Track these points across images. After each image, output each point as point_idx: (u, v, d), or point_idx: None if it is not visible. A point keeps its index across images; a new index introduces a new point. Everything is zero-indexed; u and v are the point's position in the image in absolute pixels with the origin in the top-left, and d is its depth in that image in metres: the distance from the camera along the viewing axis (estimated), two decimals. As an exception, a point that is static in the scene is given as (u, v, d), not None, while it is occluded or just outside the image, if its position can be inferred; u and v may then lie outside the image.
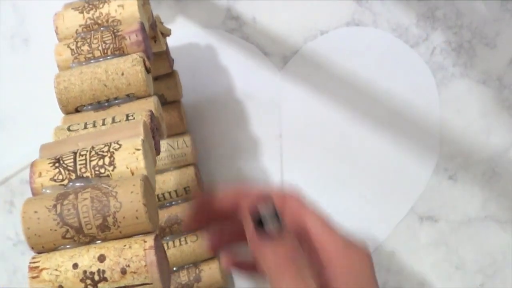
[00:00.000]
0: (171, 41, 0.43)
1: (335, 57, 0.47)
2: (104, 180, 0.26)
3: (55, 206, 0.25)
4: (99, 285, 0.24)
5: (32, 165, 0.26)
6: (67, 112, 0.32)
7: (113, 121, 0.30)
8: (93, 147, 0.27)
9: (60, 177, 0.26)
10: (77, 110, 0.32)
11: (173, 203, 0.46)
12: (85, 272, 0.24)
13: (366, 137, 0.48)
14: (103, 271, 0.24)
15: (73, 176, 0.26)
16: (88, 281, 0.24)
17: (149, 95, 0.32)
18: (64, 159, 0.27)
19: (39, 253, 0.25)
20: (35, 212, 0.25)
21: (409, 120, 0.47)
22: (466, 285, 0.43)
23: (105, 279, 0.24)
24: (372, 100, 0.47)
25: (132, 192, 0.25)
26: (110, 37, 0.33)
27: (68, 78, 0.32)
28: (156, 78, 0.43)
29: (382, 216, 0.49)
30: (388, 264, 0.48)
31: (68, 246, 0.25)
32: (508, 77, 0.47)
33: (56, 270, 0.24)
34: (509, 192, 0.47)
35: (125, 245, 0.25)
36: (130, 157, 0.27)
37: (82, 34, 0.34)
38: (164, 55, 0.43)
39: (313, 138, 0.48)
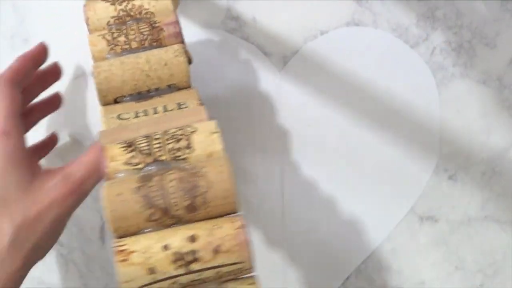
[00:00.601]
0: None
1: (335, 57, 0.47)
2: (181, 163, 0.26)
3: (139, 188, 0.25)
4: (191, 265, 0.24)
5: (102, 149, 0.26)
6: (106, 103, 0.32)
7: (165, 109, 0.30)
8: (166, 131, 0.27)
9: (135, 161, 0.26)
10: (116, 101, 0.32)
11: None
12: (176, 253, 0.24)
13: (366, 137, 0.48)
14: (195, 252, 0.24)
15: (149, 160, 0.26)
16: (180, 262, 0.24)
17: (189, 86, 0.32)
18: (137, 143, 0.27)
19: (120, 237, 0.25)
20: (119, 194, 0.25)
21: (409, 120, 0.47)
22: (466, 285, 0.43)
23: (197, 260, 0.24)
24: (372, 100, 0.47)
25: (221, 172, 0.25)
26: (148, 29, 0.33)
27: (109, 68, 0.31)
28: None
29: (382, 216, 0.49)
30: (388, 264, 0.48)
31: (148, 230, 0.25)
32: (508, 77, 0.47)
33: (146, 252, 0.24)
34: (509, 192, 0.48)
35: (214, 226, 0.25)
36: (207, 140, 0.27)
37: (114, 25, 0.34)
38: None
39: (313, 138, 0.48)
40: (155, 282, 0.24)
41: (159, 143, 0.26)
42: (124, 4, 0.34)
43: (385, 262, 0.49)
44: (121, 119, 0.29)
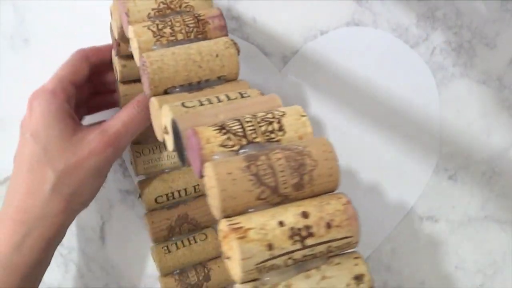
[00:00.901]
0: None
1: (335, 57, 0.47)
2: (274, 145, 0.26)
3: (249, 167, 0.25)
4: (306, 241, 0.24)
5: (196, 132, 0.26)
6: (156, 94, 0.32)
7: (228, 98, 0.30)
8: (254, 115, 0.27)
9: (230, 143, 0.26)
10: (166, 92, 0.32)
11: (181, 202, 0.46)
12: (292, 228, 0.24)
13: (366, 137, 0.48)
14: (309, 227, 0.24)
15: (244, 142, 0.26)
16: (296, 238, 0.24)
17: (236, 78, 0.33)
18: (229, 126, 0.27)
19: (227, 217, 0.25)
20: (229, 173, 0.25)
21: (409, 120, 0.47)
22: (466, 285, 0.43)
23: (311, 235, 0.24)
24: (372, 100, 0.47)
25: (324, 151, 0.26)
26: (193, 21, 0.33)
27: (161, 58, 0.31)
28: None
29: (382, 216, 0.49)
30: (388, 264, 0.48)
31: (251, 210, 0.25)
32: (508, 77, 0.47)
33: (263, 229, 0.24)
34: (509, 192, 0.48)
35: (322, 202, 0.25)
36: (297, 123, 0.28)
37: (154, 17, 0.34)
38: None
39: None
40: (272, 258, 0.24)
41: (252, 125, 0.27)
42: None
43: (385, 262, 0.49)
44: (186, 107, 0.29)
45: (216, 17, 0.34)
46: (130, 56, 0.42)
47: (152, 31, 0.33)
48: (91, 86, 0.46)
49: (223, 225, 0.24)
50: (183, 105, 0.29)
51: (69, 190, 0.39)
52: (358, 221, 0.25)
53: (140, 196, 0.46)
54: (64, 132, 0.39)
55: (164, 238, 0.46)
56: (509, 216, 0.48)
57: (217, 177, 0.24)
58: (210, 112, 0.28)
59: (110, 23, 0.41)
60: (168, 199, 0.46)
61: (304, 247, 0.24)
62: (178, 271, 0.46)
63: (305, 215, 0.25)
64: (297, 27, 0.47)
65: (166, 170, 0.46)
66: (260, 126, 0.27)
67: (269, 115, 0.27)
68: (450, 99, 0.47)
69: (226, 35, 0.34)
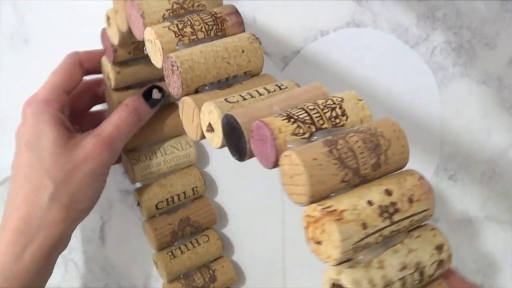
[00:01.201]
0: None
1: (335, 58, 0.47)
2: (343, 129, 0.28)
3: (330, 151, 0.26)
4: (394, 216, 0.25)
5: (267, 123, 0.27)
6: (187, 93, 0.32)
7: (268, 91, 0.31)
8: (315, 102, 0.28)
9: (301, 131, 0.27)
10: (196, 91, 0.32)
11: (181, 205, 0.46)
12: (380, 206, 0.25)
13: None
14: (395, 203, 0.26)
15: (313, 129, 0.27)
16: (385, 215, 0.25)
17: (260, 72, 0.33)
18: (296, 115, 0.27)
19: (312, 202, 0.25)
20: (315, 159, 0.25)
21: (409, 120, 0.47)
22: (466, 285, 0.43)
23: (397, 211, 0.26)
24: (372, 100, 0.47)
25: (394, 130, 0.27)
26: (211, 19, 0.34)
27: (190, 57, 0.31)
28: (160, 79, 0.43)
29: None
30: (388, 264, 0.48)
31: (332, 194, 0.26)
32: (508, 77, 0.47)
33: (355, 209, 0.25)
34: (509, 192, 0.48)
35: (399, 179, 0.27)
36: (356, 107, 0.29)
37: (169, 18, 0.34)
38: None
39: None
40: (367, 237, 0.25)
41: (317, 112, 0.28)
42: None
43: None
44: (230, 102, 0.30)
45: (233, 14, 0.35)
46: (124, 63, 0.42)
47: (174, 31, 0.33)
48: (90, 95, 0.46)
49: (314, 210, 0.25)
50: (226, 100, 0.30)
51: (68, 198, 0.39)
52: (433, 194, 0.26)
53: (138, 204, 0.46)
54: (58, 140, 0.39)
55: (167, 244, 0.46)
56: (509, 216, 0.48)
57: (304, 164, 0.25)
58: (263, 104, 0.29)
59: (103, 30, 0.41)
60: (168, 204, 0.46)
61: (392, 223, 0.25)
62: (183, 275, 0.46)
63: (388, 192, 0.26)
64: (297, 27, 0.47)
65: (162, 175, 0.46)
66: (325, 113, 0.28)
67: (329, 102, 0.28)
68: (450, 99, 0.47)
69: (244, 31, 0.34)
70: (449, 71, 0.47)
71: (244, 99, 0.30)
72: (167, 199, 0.45)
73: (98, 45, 0.43)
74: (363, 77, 0.47)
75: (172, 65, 0.31)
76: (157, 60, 0.33)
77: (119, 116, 0.41)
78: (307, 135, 0.27)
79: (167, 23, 0.33)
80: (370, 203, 0.25)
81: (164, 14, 0.34)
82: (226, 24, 0.34)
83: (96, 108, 0.47)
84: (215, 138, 0.30)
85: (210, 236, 0.47)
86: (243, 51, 0.33)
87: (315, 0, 0.45)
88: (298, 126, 0.27)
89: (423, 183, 0.27)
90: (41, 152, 0.39)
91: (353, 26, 0.47)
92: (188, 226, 0.46)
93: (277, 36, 0.47)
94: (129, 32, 0.36)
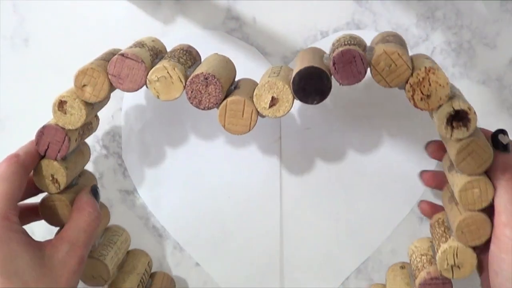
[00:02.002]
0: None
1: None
2: None
3: None
4: None
5: (350, 47, 0.36)
6: (223, 98, 0.39)
7: (278, 68, 0.40)
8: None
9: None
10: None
11: None
12: None
13: (367, 138, 0.48)
14: None
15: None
16: None
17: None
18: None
19: None
20: None
21: (410, 120, 0.47)
22: (466, 285, 0.43)
23: None
24: (373, 100, 0.47)
25: None
26: (184, 52, 0.41)
27: (213, 69, 0.38)
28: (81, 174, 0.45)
29: (382, 217, 0.49)
30: (389, 264, 0.48)
31: None
32: (508, 77, 0.47)
33: None
34: (509, 192, 0.47)
35: None
36: None
37: (157, 58, 0.40)
38: None
39: (313, 139, 0.48)
40: None
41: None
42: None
43: (385, 262, 0.49)
44: (274, 74, 0.38)
45: (190, 47, 0.42)
46: (67, 156, 0.41)
47: (177, 62, 0.38)
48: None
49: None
50: (269, 76, 0.38)
51: None
52: None
53: None
54: (35, 258, 0.35)
55: None
56: (509, 216, 0.48)
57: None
58: (303, 63, 0.37)
59: (41, 130, 0.39)
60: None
61: None
62: None
63: None
64: (297, 27, 0.47)
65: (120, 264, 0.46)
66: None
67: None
68: (450, 99, 0.47)
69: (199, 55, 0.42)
70: (449, 71, 0.47)
71: (279, 74, 0.38)
72: (141, 280, 0.45)
73: (98, 45, 0.42)
74: (361, 92, 0.47)
75: (206, 79, 0.37)
76: (175, 89, 0.37)
77: (85, 220, 0.38)
78: None
79: (165, 60, 0.38)
80: None
81: (151, 58, 0.39)
82: (192, 53, 0.41)
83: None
84: (281, 107, 0.37)
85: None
86: (227, 62, 0.41)
87: (315, 0, 0.45)
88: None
89: None
90: (22, 278, 0.34)
91: (353, 26, 0.47)
92: None
93: (277, 36, 0.47)
94: (109, 93, 0.38)
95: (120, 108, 0.48)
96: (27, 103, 0.48)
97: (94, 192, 0.41)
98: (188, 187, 0.49)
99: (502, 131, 0.38)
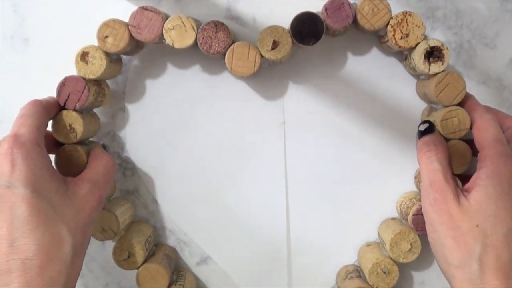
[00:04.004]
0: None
1: (335, 57, 0.47)
2: None
3: None
4: None
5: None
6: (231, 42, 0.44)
7: None
8: None
9: None
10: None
11: None
12: None
13: (367, 138, 0.48)
14: None
15: None
16: None
17: None
18: None
19: None
20: None
21: (411, 120, 0.47)
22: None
23: None
24: (372, 100, 0.47)
25: None
26: None
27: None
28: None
29: (382, 216, 0.49)
30: (388, 264, 0.48)
31: None
32: (508, 77, 0.47)
33: None
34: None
35: None
36: None
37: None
38: None
39: (316, 126, 0.48)
40: None
41: None
42: None
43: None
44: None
45: None
46: (83, 110, 0.43)
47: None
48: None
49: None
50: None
51: (83, 249, 0.38)
52: None
53: (129, 257, 0.45)
54: (60, 187, 0.37)
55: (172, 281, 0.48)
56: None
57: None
58: None
59: (62, 81, 0.42)
60: (149, 244, 0.47)
61: None
62: None
63: None
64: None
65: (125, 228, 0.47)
66: None
67: None
68: (450, 99, 0.47)
69: None
70: (449, 71, 0.47)
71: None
72: (147, 240, 0.47)
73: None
74: (364, 77, 0.47)
75: (216, 25, 0.42)
76: (188, 37, 0.42)
77: (104, 166, 0.41)
78: None
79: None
80: None
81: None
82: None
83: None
84: (282, 49, 0.42)
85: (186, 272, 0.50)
86: None
87: (315, 0, 0.45)
88: None
89: None
90: (51, 201, 0.35)
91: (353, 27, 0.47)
92: (171, 261, 0.48)
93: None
94: (128, 44, 0.43)
95: (120, 107, 0.48)
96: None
97: (105, 148, 0.45)
98: (192, 177, 0.49)
99: (424, 123, 0.43)
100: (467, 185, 0.39)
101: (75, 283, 0.37)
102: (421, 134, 0.42)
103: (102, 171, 0.41)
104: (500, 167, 0.38)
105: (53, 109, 0.41)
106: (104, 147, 0.47)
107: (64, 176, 0.39)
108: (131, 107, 0.48)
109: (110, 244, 0.48)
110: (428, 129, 0.42)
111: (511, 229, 0.37)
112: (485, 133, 0.40)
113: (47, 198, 0.35)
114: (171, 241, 0.50)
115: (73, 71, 0.43)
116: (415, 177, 0.47)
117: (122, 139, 0.49)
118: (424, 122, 0.43)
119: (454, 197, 0.38)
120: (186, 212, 0.49)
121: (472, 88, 0.47)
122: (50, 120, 0.42)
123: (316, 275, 0.49)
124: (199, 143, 0.48)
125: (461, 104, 0.42)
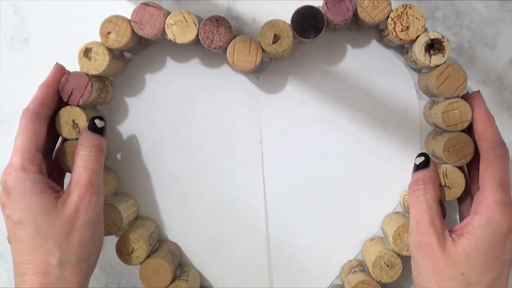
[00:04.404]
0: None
1: (335, 57, 0.47)
2: None
3: None
4: None
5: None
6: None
7: None
8: None
9: None
10: None
11: None
12: None
13: (366, 138, 0.48)
14: None
15: None
16: None
17: None
18: None
19: None
20: None
21: (411, 120, 0.47)
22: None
23: None
24: (372, 99, 0.47)
25: None
26: None
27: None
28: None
29: (382, 216, 0.49)
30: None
31: None
32: (508, 77, 0.47)
33: None
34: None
35: None
36: None
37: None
38: None
39: (293, 142, 0.48)
40: None
41: None
42: None
43: (385, 262, 0.48)
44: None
45: None
46: (86, 106, 0.43)
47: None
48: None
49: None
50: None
51: (76, 257, 0.39)
52: None
53: (132, 251, 0.45)
54: (48, 204, 0.39)
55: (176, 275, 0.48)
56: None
57: None
58: None
59: (65, 78, 0.42)
60: (153, 240, 0.47)
61: None
62: None
63: None
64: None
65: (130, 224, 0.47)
66: None
67: None
68: (450, 99, 0.47)
69: None
70: (449, 71, 0.47)
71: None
72: (151, 235, 0.47)
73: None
74: (363, 77, 0.47)
75: (218, 20, 0.43)
76: (190, 32, 0.42)
77: (82, 157, 0.41)
78: None
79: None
80: None
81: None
82: None
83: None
84: (283, 42, 0.42)
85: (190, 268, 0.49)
86: None
87: (314, 0, 0.45)
88: None
89: None
90: (36, 223, 0.38)
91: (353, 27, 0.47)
92: (175, 257, 0.48)
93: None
94: (131, 40, 0.43)
95: (120, 102, 0.48)
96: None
97: (93, 127, 0.42)
98: (178, 193, 0.49)
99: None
100: (458, 227, 0.39)
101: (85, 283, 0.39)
102: (416, 168, 0.42)
103: (80, 163, 0.40)
104: (496, 218, 0.37)
105: (45, 104, 0.41)
106: (92, 124, 0.43)
107: (56, 189, 0.40)
108: (131, 102, 0.48)
109: (109, 244, 0.48)
110: (423, 163, 0.41)
111: (496, 278, 0.37)
112: (492, 171, 0.39)
113: (32, 222, 0.38)
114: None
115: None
116: (400, 196, 0.47)
117: (121, 134, 0.49)
118: (420, 155, 0.42)
119: (439, 241, 0.38)
120: (173, 225, 0.50)
121: (472, 88, 0.47)
122: (45, 118, 0.41)
123: (319, 274, 0.49)
124: (198, 138, 0.48)
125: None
